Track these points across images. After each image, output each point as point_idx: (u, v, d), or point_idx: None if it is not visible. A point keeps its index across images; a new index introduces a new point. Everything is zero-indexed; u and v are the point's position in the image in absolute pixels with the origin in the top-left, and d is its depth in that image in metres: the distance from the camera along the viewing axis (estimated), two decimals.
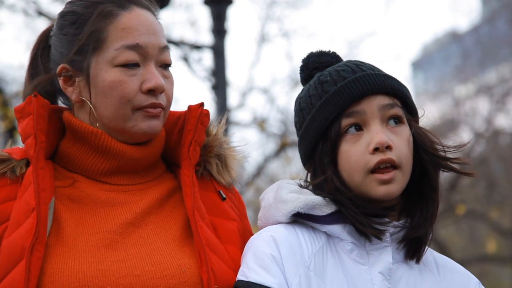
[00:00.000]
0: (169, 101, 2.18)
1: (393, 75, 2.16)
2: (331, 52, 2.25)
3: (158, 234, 2.11)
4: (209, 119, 2.25)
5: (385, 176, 2.07)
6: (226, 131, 2.34)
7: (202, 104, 2.23)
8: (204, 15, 12.67)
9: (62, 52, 2.17)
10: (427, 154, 2.14)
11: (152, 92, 2.12)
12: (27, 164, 2.11)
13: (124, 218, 2.11)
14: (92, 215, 2.10)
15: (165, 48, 2.18)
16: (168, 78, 2.18)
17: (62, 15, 2.20)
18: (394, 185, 2.08)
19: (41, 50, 2.25)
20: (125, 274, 2.00)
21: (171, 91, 2.18)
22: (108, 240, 2.05)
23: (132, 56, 2.11)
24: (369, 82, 2.12)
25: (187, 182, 2.17)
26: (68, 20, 2.17)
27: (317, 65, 2.22)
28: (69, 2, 2.21)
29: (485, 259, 17.48)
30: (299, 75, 2.30)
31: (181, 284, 2.03)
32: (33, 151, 2.07)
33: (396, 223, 2.12)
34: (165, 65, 2.18)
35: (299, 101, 2.21)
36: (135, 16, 2.15)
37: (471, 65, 19.86)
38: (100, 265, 2.00)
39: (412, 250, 2.14)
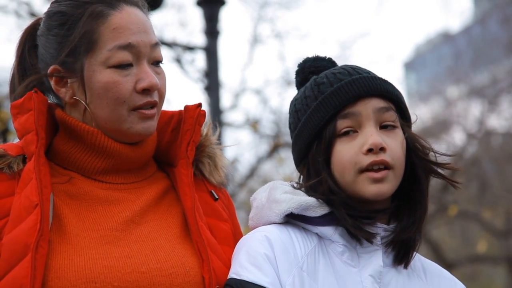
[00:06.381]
0: (162, 97, 2.19)
1: (388, 80, 2.18)
2: (327, 57, 2.28)
3: (159, 231, 2.12)
4: (205, 119, 2.27)
5: (377, 175, 2.08)
6: (217, 131, 2.35)
7: (200, 105, 2.24)
8: (196, 16, 12.69)
9: (52, 53, 2.16)
10: (418, 159, 2.17)
11: (147, 91, 2.13)
12: (23, 160, 2.10)
13: (124, 215, 2.11)
14: (91, 212, 2.10)
15: (156, 45, 2.18)
16: (160, 74, 2.19)
17: (50, 15, 2.18)
18: (386, 184, 2.09)
19: (28, 49, 2.24)
20: (130, 270, 2.01)
21: (163, 87, 2.19)
22: (111, 237, 2.06)
23: (125, 57, 2.11)
24: (365, 84, 2.14)
25: (185, 182, 2.18)
26: (56, 21, 2.16)
27: (313, 69, 2.25)
28: (55, 2, 2.20)
29: (478, 259, 17.51)
30: (293, 77, 2.31)
31: (185, 283, 2.05)
32: (34, 147, 2.07)
33: (386, 226, 2.13)
34: (157, 62, 2.19)
35: (294, 102, 2.23)
36: (126, 15, 2.14)
37: (463, 66, 19.89)
38: (105, 261, 2.01)
39: (400, 255, 2.16)
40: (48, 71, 2.16)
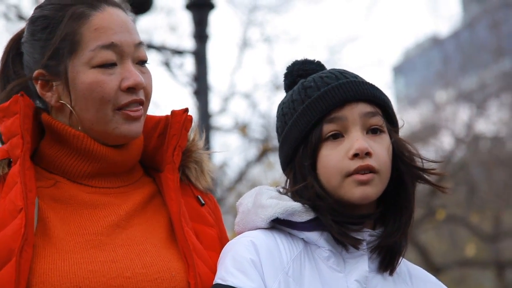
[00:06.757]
0: (148, 96, 2.18)
1: (376, 85, 2.18)
2: (315, 60, 2.27)
3: (145, 236, 2.11)
4: (191, 124, 2.26)
5: (363, 177, 2.08)
6: (205, 136, 2.34)
7: (186, 110, 2.23)
8: (186, 20, 12.69)
9: (36, 58, 2.15)
10: (404, 165, 2.16)
11: (132, 90, 2.12)
12: (8, 164, 2.09)
13: (109, 220, 2.10)
14: (77, 216, 2.09)
15: (140, 44, 2.17)
16: (146, 73, 2.18)
17: (33, 20, 2.17)
18: (371, 187, 2.09)
19: (12, 57, 2.23)
20: (116, 275, 2.00)
21: (149, 86, 2.18)
22: (96, 242, 2.05)
23: (109, 56, 2.10)
24: (352, 89, 2.13)
25: (171, 187, 2.17)
26: (39, 25, 2.15)
27: (301, 72, 2.24)
28: (38, 7, 2.19)
29: (466, 263, 17.56)
30: (282, 81, 2.31)
31: None
32: (20, 151, 2.05)
33: (372, 231, 2.13)
34: (142, 62, 2.18)
35: (282, 106, 2.22)
36: (107, 15, 2.13)
37: (451, 70, 19.98)
38: (90, 265, 1.99)
39: (386, 261, 2.15)
40: (33, 75, 2.15)
